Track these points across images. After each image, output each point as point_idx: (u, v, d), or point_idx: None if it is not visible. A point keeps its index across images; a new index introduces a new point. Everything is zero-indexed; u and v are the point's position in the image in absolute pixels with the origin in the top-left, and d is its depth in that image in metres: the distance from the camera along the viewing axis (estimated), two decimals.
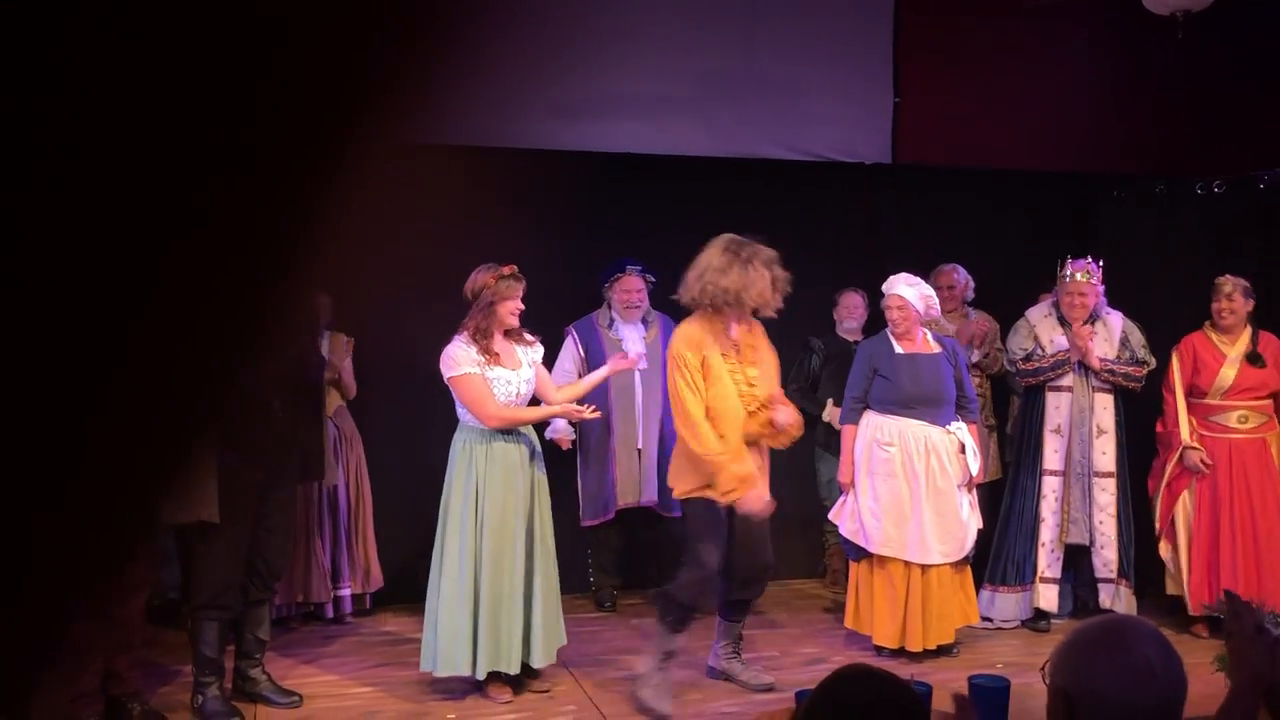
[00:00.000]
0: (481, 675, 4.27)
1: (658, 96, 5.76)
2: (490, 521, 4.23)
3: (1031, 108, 6.19)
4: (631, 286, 5.48)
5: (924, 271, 5.24)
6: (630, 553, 5.83)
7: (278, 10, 0.37)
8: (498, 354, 4.27)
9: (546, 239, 5.46)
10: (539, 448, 4.44)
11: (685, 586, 4.32)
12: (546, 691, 4.48)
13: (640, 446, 5.53)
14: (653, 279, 5.48)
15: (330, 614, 5.36)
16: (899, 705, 1.69)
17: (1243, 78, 6.25)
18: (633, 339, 5.46)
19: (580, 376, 5.09)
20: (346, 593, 5.38)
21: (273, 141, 0.39)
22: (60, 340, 0.38)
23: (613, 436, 5.49)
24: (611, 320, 5.56)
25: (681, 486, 4.35)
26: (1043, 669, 1.91)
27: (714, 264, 4.22)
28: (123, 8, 0.35)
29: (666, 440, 5.30)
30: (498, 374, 4.25)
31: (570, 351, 5.51)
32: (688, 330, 4.28)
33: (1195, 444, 5.22)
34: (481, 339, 4.23)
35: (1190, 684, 1.89)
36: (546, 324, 5.37)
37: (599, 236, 5.67)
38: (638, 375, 5.44)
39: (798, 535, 6.19)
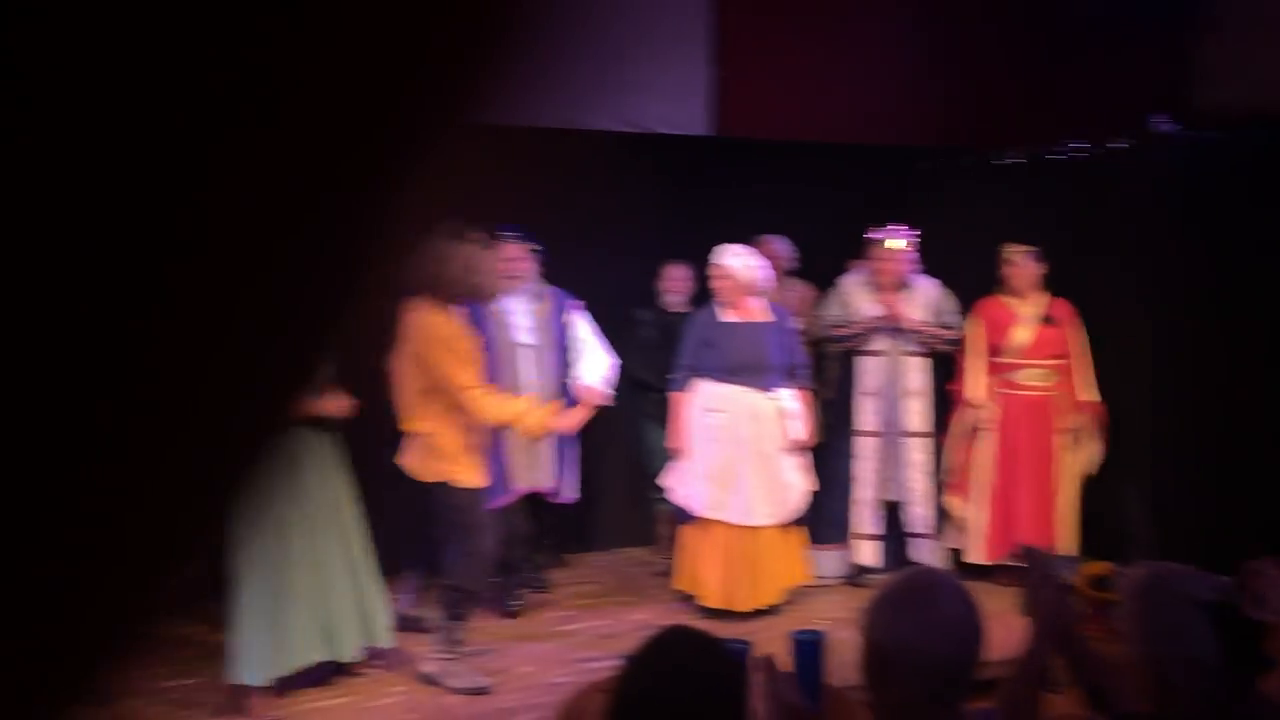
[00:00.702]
0: (287, 670, 4.08)
1: None
2: (287, 517, 4.05)
3: (849, 82, 6.37)
4: (508, 255, 4.99)
5: (749, 243, 5.36)
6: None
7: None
8: None
9: None
10: (331, 433, 4.22)
11: (470, 577, 4.29)
12: (374, 674, 4.39)
13: None
14: (538, 247, 5.20)
15: None
16: (713, 663, 1.73)
17: (1046, 51, 6.58)
18: (519, 312, 5.11)
19: None
20: None
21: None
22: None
23: None
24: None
25: (442, 473, 4.18)
26: (859, 623, 2.00)
27: (451, 256, 4.07)
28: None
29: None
30: None
31: None
32: (440, 314, 4.09)
33: (983, 402, 5.52)
34: None
35: (993, 631, 2.00)
36: None
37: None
38: (529, 352, 5.10)
39: (626, 504, 6.27)
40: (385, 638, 4.36)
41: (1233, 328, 5.45)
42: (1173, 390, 5.44)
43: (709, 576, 5.07)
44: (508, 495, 4.92)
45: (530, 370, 5.10)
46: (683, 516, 5.20)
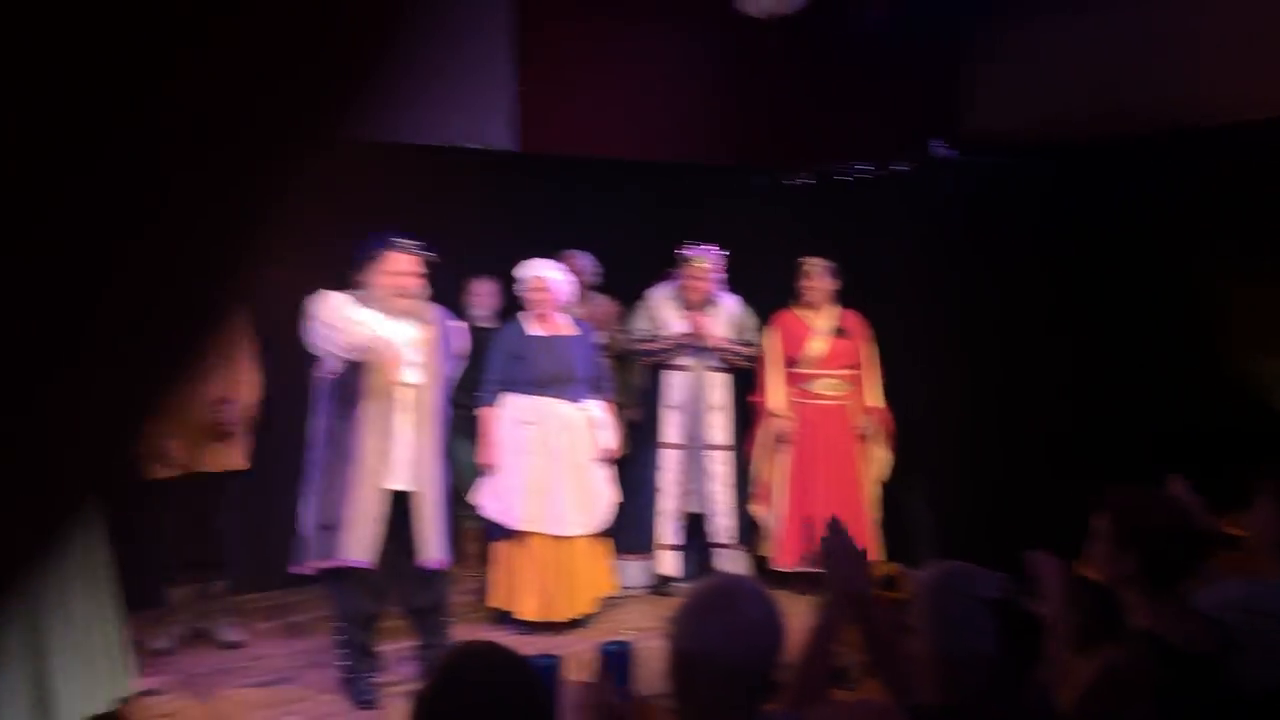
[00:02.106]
0: None
1: None
2: None
3: (645, 101, 6.50)
4: (400, 267, 4.24)
5: (550, 257, 5.37)
6: None
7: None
8: None
9: None
10: None
11: None
12: None
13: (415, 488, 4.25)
14: (433, 255, 4.35)
15: None
16: (515, 677, 1.73)
17: (829, 78, 6.88)
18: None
19: None
20: None
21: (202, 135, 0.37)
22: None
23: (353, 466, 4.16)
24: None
25: None
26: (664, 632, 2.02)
27: None
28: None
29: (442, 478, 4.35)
30: None
31: None
32: None
33: (782, 413, 5.72)
34: None
35: (794, 633, 2.07)
36: None
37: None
38: (403, 391, 4.18)
39: None
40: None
41: (1005, 337, 5.84)
42: (952, 397, 5.77)
43: (526, 590, 5.04)
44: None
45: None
46: (494, 532, 5.14)
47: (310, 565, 4.16)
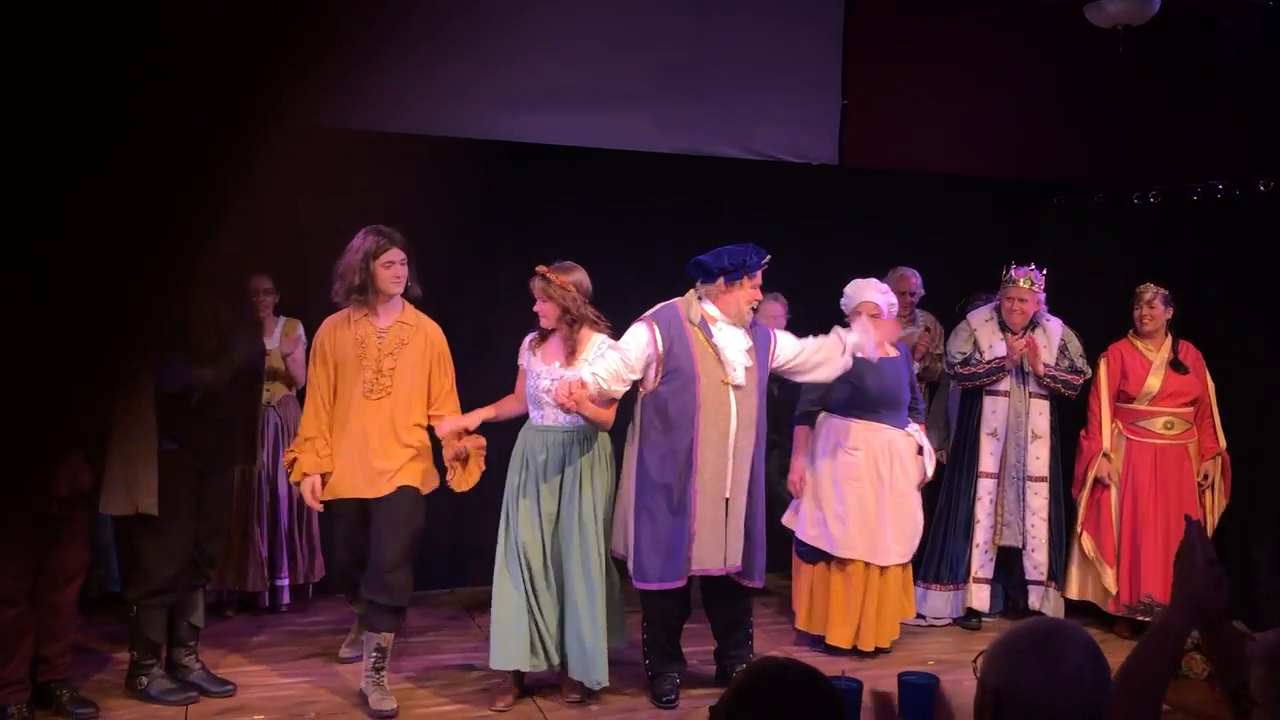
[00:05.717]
0: (525, 667, 4.26)
1: (605, 90, 5.75)
2: (534, 517, 4.26)
3: (975, 115, 6.30)
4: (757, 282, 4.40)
5: (871, 273, 5.24)
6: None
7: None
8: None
9: (492, 230, 5.42)
10: (599, 441, 4.33)
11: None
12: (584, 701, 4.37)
13: (728, 495, 4.32)
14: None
15: (266, 603, 5.30)
16: (814, 693, 1.72)
17: (1178, 93, 6.41)
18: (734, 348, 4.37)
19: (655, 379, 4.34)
20: (284, 583, 5.30)
21: (181, 119, 0.39)
22: None
23: (693, 476, 4.27)
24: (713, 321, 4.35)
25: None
26: (974, 662, 1.95)
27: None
28: None
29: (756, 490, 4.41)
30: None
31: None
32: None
33: (1110, 452, 5.35)
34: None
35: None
36: (487, 323, 5.32)
37: (542, 228, 5.63)
38: (734, 395, 4.32)
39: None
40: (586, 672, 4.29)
41: None
42: None
43: (838, 616, 4.93)
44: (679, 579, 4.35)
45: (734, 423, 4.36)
46: (809, 554, 5.04)
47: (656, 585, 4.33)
